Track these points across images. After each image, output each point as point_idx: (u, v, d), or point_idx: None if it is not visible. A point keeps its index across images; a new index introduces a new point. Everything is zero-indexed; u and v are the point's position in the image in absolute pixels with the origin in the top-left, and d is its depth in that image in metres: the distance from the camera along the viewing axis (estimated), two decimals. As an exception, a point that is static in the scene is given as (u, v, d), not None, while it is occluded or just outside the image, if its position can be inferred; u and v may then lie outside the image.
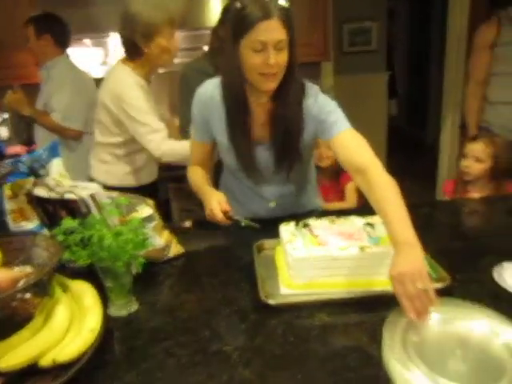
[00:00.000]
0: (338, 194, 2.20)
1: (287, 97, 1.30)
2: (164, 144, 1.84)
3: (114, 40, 3.27)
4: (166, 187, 2.68)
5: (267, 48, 1.18)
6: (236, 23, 1.20)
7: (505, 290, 1.07)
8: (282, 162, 1.40)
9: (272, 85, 1.26)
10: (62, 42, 2.54)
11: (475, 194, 1.85)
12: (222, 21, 2.19)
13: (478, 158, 1.90)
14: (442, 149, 3.99)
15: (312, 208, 1.64)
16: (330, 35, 3.35)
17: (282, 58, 1.21)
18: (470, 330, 0.84)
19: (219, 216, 1.31)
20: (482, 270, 1.16)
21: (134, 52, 1.90)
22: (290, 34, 1.20)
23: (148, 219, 1.16)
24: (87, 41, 3.25)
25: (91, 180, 2.03)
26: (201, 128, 1.45)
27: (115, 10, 3.02)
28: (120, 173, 2.04)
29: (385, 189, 1.11)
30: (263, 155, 1.41)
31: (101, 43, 3.27)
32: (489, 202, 1.69)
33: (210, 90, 1.39)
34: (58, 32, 2.51)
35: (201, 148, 1.51)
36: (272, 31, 1.16)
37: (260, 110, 1.37)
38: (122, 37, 1.92)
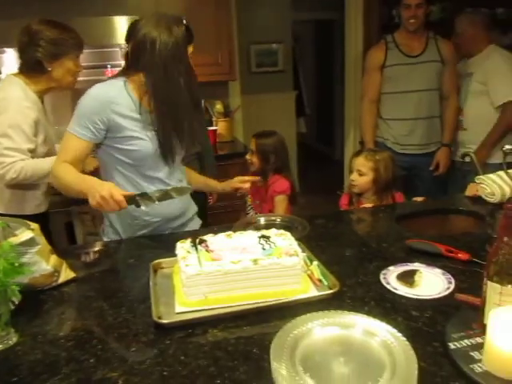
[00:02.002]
0: (265, 195, 2.30)
1: None
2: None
3: (9, 56, 3.08)
4: (68, 211, 2.54)
5: None
6: (185, 34, 1.47)
7: (390, 292, 1.13)
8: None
9: None
10: None
11: (367, 204, 1.95)
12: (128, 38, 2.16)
13: (360, 171, 2.01)
14: (347, 164, 4.21)
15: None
16: (236, 55, 3.42)
17: None
18: (349, 334, 0.88)
19: (119, 197, 1.30)
20: (370, 274, 1.23)
21: (33, 68, 1.80)
22: None
23: (28, 243, 1.07)
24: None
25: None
26: (93, 127, 1.47)
27: (10, 24, 2.88)
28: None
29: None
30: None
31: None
32: (379, 211, 1.79)
33: (113, 91, 1.49)
34: None
35: (82, 146, 1.49)
36: None
37: None
38: (22, 51, 1.81)
